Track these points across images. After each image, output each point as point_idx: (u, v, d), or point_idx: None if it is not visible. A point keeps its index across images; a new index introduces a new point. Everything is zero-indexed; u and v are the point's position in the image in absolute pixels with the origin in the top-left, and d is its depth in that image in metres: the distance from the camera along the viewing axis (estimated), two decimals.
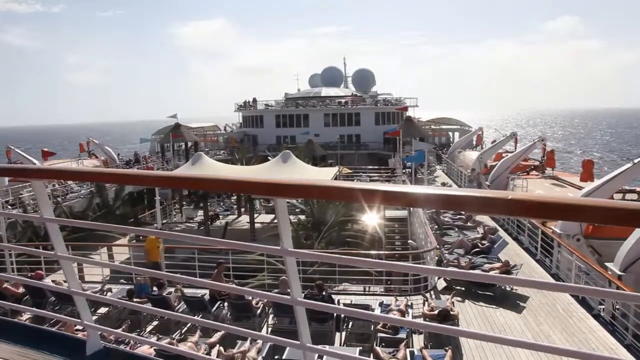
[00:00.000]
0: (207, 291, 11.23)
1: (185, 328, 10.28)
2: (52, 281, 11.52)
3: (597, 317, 10.53)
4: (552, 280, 12.72)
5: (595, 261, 13.24)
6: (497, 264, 13.06)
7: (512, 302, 11.44)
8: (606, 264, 12.36)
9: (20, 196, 23.57)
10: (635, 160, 14.88)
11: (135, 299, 10.64)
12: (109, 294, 11.84)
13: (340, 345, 9.67)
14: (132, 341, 8.01)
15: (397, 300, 10.82)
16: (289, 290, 2.00)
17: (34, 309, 5.98)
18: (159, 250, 13.10)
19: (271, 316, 10.72)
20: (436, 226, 18.33)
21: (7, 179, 21.34)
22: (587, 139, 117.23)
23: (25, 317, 9.22)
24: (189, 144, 41.45)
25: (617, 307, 10.35)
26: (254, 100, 57.85)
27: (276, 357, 8.17)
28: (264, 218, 24.04)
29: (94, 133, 50.79)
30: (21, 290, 11.45)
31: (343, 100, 56.24)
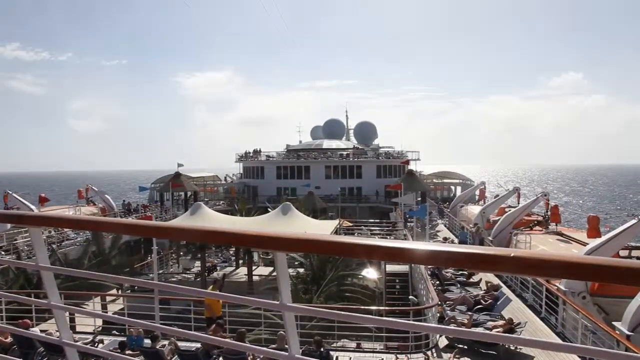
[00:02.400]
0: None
1: None
2: (41, 331, 11.21)
3: None
4: (557, 340, 12.35)
5: (602, 320, 12.90)
6: (501, 322, 12.74)
7: None
8: (614, 323, 12.03)
9: (15, 242, 23.38)
10: None
11: (127, 352, 10.31)
12: (101, 345, 11.50)
13: None
14: None
15: (397, 358, 10.48)
16: (286, 345, 1.92)
17: (22, 359, 5.78)
18: (219, 304, 12.89)
19: None
20: (438, 282, 18.03)
21: (9, 224, 21.25)
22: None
23: None
24: (189, 193, 41.54)
25: None
26: (255, 151, 58.32)
27: None
28: (262, 270, 23.73)
29: (95, 181, 51.02)
30: (9, 339, 11.10)
31: (344, 153, 56.79)
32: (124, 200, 45.43)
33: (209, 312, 12.88)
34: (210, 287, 13.92)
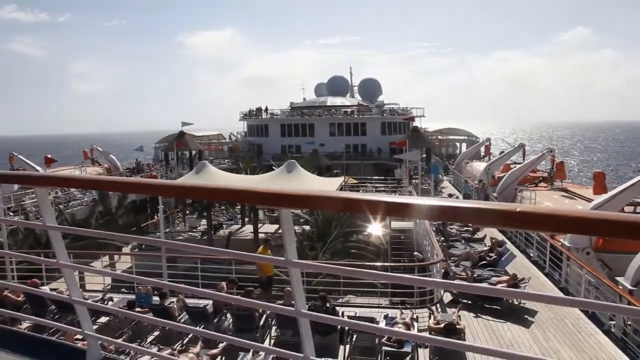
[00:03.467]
0: (209, 302, 11.10)
1: (187, 339, 10.14)
2: (52, 289, 11.45)
3: (607, 332, 10.31)
4: (561, 295, 12.51)
5: (606, 275, 13.02)
6: (505, 277, 12.88)
7: (519, 316, 11.22)
8: (617, 278, 12.14)
9: (23, 203, 23.57)
10: None
11: (136, 309, 10.53)
12: (110, 303, 11.72)
13: (344, 358, 9.50)
14: (132, 351, 7.88)
15: (402, 313, 10.65)
16: (292, 301, 1.95)
17: (34, 317, 5.91)
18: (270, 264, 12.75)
19: (274, 328, 10.57)
20: (442, 238, 18.15)
21: (16, 185, 21.43)
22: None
23: (24, 326, 9.12)
24: (193, 152, 41.53)
25: (629, 322, 10.13)
26: (259, 109, 57.77)
27: None
28: (267, 228, 23.92)
29: (99, 142, 50.84)
30: (21, 298, 11.35)
31: (349, 110, 56.21)
32: (136, 159, 45.54)
33: (261, 273, 12.75)
34: (261, 247, 13.69)
